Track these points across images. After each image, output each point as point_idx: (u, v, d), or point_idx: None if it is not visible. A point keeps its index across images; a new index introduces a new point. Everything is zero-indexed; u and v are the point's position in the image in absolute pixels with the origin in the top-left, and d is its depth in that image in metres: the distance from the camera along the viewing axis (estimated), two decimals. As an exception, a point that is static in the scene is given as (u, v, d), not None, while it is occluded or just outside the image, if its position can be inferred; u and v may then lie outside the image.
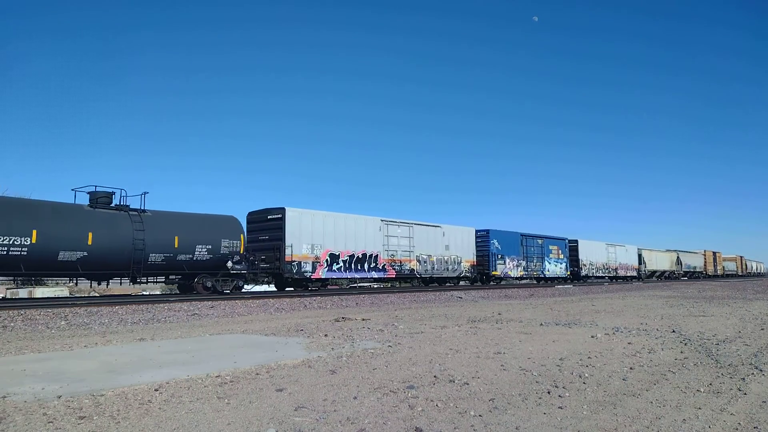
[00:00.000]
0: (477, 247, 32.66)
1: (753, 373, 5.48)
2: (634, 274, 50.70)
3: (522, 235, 36.06)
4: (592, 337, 8.24)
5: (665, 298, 20.39)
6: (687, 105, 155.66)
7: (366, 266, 25.25)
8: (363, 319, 11.13)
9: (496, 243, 33.31)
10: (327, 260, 23.58)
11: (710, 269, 69.76)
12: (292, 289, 23.53)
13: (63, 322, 10.82)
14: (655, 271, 54.96)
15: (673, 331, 9.01)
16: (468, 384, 4.82)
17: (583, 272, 42.62)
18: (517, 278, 35.98)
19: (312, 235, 22.97)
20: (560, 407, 4.10)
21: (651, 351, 6.86)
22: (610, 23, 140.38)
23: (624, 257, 49.14)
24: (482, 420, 3.75)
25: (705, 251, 68.89)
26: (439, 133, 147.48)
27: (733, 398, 4.48)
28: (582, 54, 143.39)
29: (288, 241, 21.94)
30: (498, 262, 33.47)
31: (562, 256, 40.02)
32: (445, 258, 29.91)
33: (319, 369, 5.50)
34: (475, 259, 32.10)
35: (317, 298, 18.24)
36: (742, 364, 5.99)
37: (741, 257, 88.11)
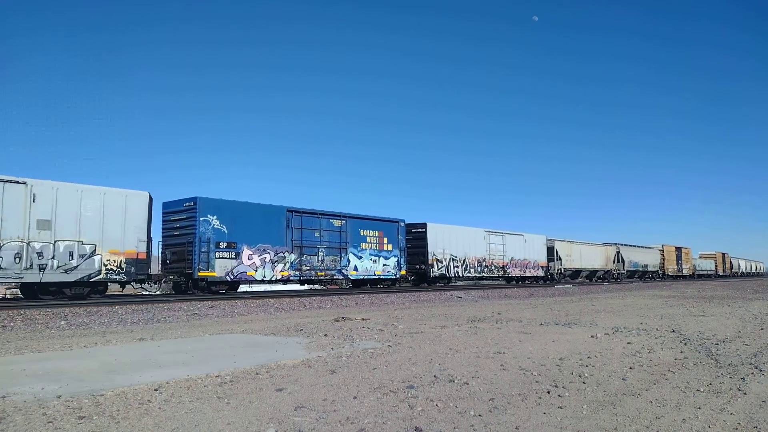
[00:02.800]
0: (170, 230, 19.68)
1: (753, 373, 5.48)
2: (539, 273, 37.29)
3: (291, 211, 21.84)
4: (591, 336, 8.24)
5: (665, 298, 20.41)
6: (686, 104, 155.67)
7: None
8: (363, 319, 11.13)
9: (216, 222, 19.10)
10: None
11: (671, 268, 56.67)
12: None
13: (63, 322, 10.81)
14: (579, 271, 42.19)
15: (673, 331, 9.01)
16: (468, 384, 4.82)
17: (437, 271, 28.90)
18: (277, 281, 21.77)
19: None
20: (560, 407, 4.10)
21: (651, 351, 6.86)
22: (609, 22, 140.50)
23: (520, 251, 35.41)
24: (482, 420, 3.74)
25: (663, 246, 56.22)
26: (438, 131, 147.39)
27: (732, 398, 4.48)
28: (582, 53, 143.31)
29: None
30: (219, 254, 19.06)
31: (390, 247, 26.16)
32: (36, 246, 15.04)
33: (319, 369, 5.50)
34: (139, 250, 17.27)
35: (317, 298, 18.24)
36: (742, 364, 5.99)
37: (723, 254, 76.64)
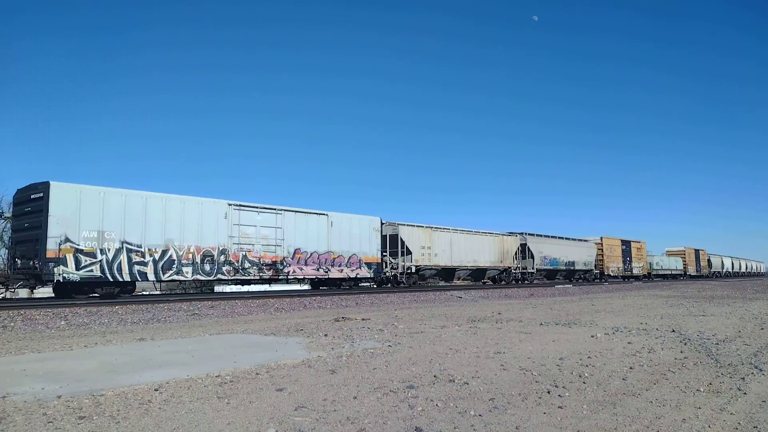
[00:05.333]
0: None
1: (753, 373, 5.48)
2: (363, 273, 23.99)
3: None
4: (591, 336, 8.24)
5: (665, 297, 20.42)
6: (687, 105, 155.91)
7: None
8: (363, 319, 11.13)
9: None
10: None
11: (613, 267, 44.91)
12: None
13: (63, 322, 10.82)
14: (452, 270, 29.51)
15: (673, 331, 9.01)
16: (468, 384, 4.82)
17: (76, 271, 15.39)
18: None
19: None
20: (560, 407, 4.10)
21: (651, 351, 6.86)
22: (610, 23, 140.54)
23: (318, 239, 22.18)
24: (482, 420, 3.75)
25: (602, 238, 44.47)
26: (438, 132, 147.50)
27: (732, 398, 4.48)
28: (582, 54, 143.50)
29: None
30: None
31: None
32: None
33: (319, 369, 5.50)
34: None
35: (317, 298, 18.25)
36: (742, 364, 5.99)
37: (696, 250, 64.19)
